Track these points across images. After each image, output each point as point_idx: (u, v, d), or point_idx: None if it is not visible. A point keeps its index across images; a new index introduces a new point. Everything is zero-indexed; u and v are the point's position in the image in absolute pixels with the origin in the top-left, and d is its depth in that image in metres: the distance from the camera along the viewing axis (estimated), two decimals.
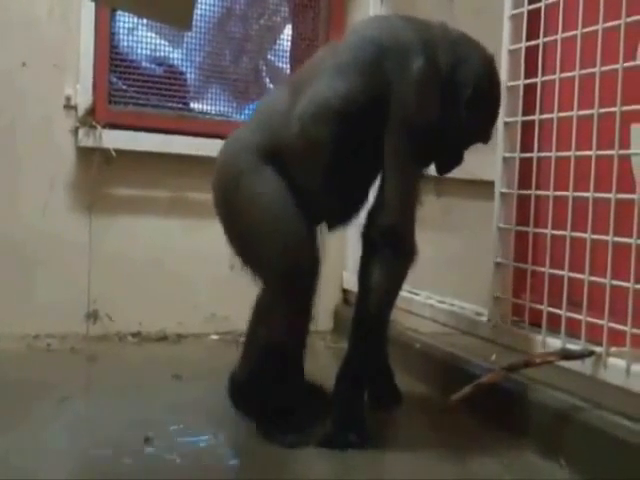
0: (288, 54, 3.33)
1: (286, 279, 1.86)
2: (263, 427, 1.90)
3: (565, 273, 1.87)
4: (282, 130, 1.90)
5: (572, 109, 1.87)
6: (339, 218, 2.07)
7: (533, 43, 2.04)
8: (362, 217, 1.97)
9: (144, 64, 3.07)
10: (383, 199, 1.85)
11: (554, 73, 1.95)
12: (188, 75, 3.17)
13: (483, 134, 2.01)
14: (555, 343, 1.87)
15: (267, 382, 1.91)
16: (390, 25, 1.94)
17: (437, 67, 1.86)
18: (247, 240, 1.94)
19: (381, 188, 1.88)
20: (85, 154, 2.89)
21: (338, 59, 1.91)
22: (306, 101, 1.88)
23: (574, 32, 1.88)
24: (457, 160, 2.03)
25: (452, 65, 1.88)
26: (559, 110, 1.93)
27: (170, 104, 3.07)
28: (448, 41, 1.91)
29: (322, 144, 1.86)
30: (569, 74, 1.89)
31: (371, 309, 1.87)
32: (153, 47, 3.07)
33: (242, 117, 3.22)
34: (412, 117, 1.82)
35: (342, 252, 3.14)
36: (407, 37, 1.87)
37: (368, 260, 1.88)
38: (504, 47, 2.14)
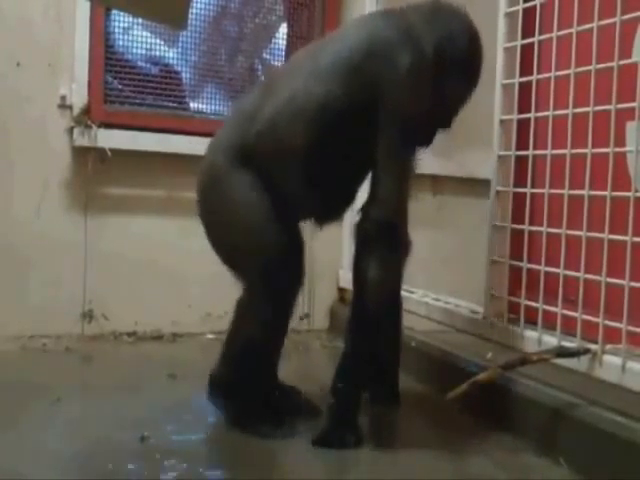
0: (284, 53, 3.33)
1: (264, 281, 1.90)
2: (243, 422, 1.92)
3: (561, 271, 1.87)
4: (250, 129, 1.92)
5: (567, 107, 1.87)
6: (323, 217, 2.07)
7: (528, 41, 2.05)
8: (355, 214, 1.97)
9: (139, 63, 3.07)
10: (377, 194, 1.85)
11: (549, 71, 1.95)
12: (183, 74, 3.16)
13: (464, 95, 2.00)
14: (551, 341, 1.87)
15: (246, 381, 1.94)
16: (371, 26, 1.93)
17: (424, 58, 1.84)
18: (225, 243, 1.99)
19: (374, 184, 1.87)
20: (80, 154, 2.89)
21: (317, 64, 1.92)
22: (279, 103, 1.90)
23: (569, 30, 1.88)
24: (440, 129, 2.03)
25: (436, 47, 1.87)
26: (554, 108, 1.93)
27: (166, 103, 3.06)
28: (427, 24, 1.89)
29: (296, 148, 1.87)
30: (564, 72, 1.90)
31: (369, 306, 1.86)
32: (148, 46, 3.06)
33: None
34: (406, 113, 1.82)
35: (338, 250, 3.14)
36: (389, 36, 1.86)
37: (363, 256, 1.87)
38: (499, 45, 2.14)
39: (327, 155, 1.88)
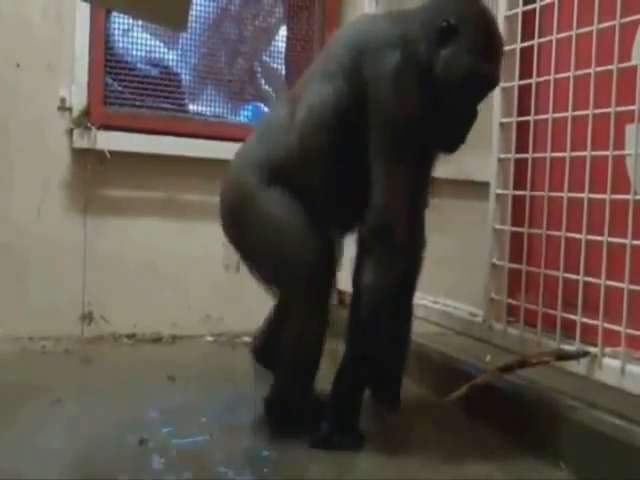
0: (283, 55, 3.34)
1: (308, 295, 1.89)
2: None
3: (560, 274, 1.87)
4: (283, 142, 1.93)
5: (567, 110, 1.87)
6: (348, 223, 2.05)
7: (528, 44, 2.05)
8: None
9: (139, 65, 3.07)
10: (371, 199, 1.84)
11: (549, 74, 1.95)
12: (183, 76, 3.17)
13: (485, 72, 1.85)
14: (550, 343, 1.87)
15: (300, 398, 1.97)
16: (369, 25, 1.94)
17: (415, 60, 1.82)
18: (264, 261, 1.99)
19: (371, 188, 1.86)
20: (80, 155, 2.89)
21: (324, 66, 1.94)
22: (302, 113, 1.91)
23: (569, 33, 1.88)
24: (468, 123, 1.90)
25: (431, 50, 1.83)
26: (554, 111, 1.94)
27: (165, 105, 3.07)
28: (425, 26, 1.86)
29: (319, 153, 1.88)
30: (564, 75, 1.90)
31: (365, 311, 1.85)
32: (148, 48, 3.07)
33: (237, 118, 3.23)
34: (391, 115, 1.80)
35: None
36: (383, 35, 1.85)
37: (361, 261, 1.87)
38: None
39: (348, 157, 1.88)
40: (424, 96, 1.82)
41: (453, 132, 1.90)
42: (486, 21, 1.88)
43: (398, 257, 1.86)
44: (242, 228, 1.99)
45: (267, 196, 1.93)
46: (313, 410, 1.94)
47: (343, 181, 1.91)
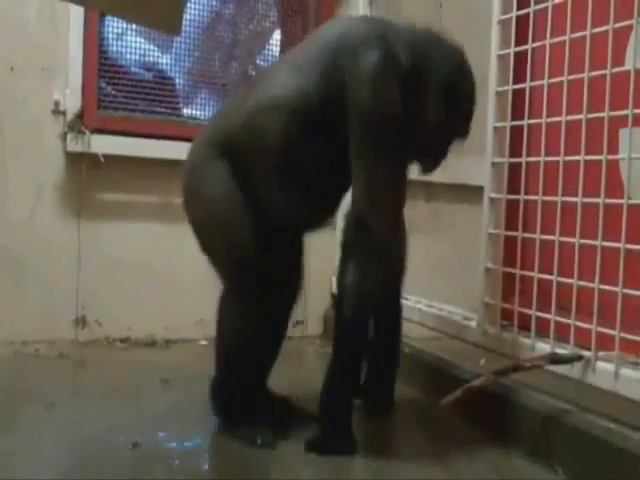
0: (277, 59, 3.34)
1: (235, 279, 1.91)
2: (229, 426, 1.93)
3: (554, 278, 1.88)
4: (231, 124, 1.92)
5: (561, 114, 1.88)
6: (304, 223, 2.04)
7: (522, 48, 2.05)
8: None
9: (133, 69, 3.07)
10: (353, 199, 1.83)
11: (543, 78, 1.96)
12: (177, 80, 3.17)
13: (460, 130, 1.97)
14: (544, 347, 1.87)
15: (232, 383, 1.96)
16: (347, 25, 1.93)
17: (394, 60, 1.81)
18: (199, 233, 1.98)
19: (352, 187, 1.85)
20: (73, 159, 2.89)
21: (296, 60, 1.92)
22: (257, 96, 1.89)
23: (563, 37, 1.88)
24: (439, 158, 2.00)
25: (414, 60, 1.84)
26: (548, 115, 1.94)
27: (159, 109, 3.06)
28: (410, 36, 1.87)
29: (269, 138, 1.84)
30: (558, 79, 1.90)
31: (348, 312, 1.83)
32: (142, 52, 3.07)
33: None
34: (370, 112, 1.78)
35: (331, 257, 3.13)
36: (361, 34, 1.84)
37: (345, 263, 1.86)
38: (493, 52, 2.14)
39: (306, 157, 1.86)
40: (404, 97, 1.82)
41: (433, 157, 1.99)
42: (474, 84, 1.95)
43: (382, 257, 1.84)
44: (186, 202, 2.00)
45: (206, 172, 1.93)
46: (255, 404, 1.95)
47: (294, 178, 1.88)
